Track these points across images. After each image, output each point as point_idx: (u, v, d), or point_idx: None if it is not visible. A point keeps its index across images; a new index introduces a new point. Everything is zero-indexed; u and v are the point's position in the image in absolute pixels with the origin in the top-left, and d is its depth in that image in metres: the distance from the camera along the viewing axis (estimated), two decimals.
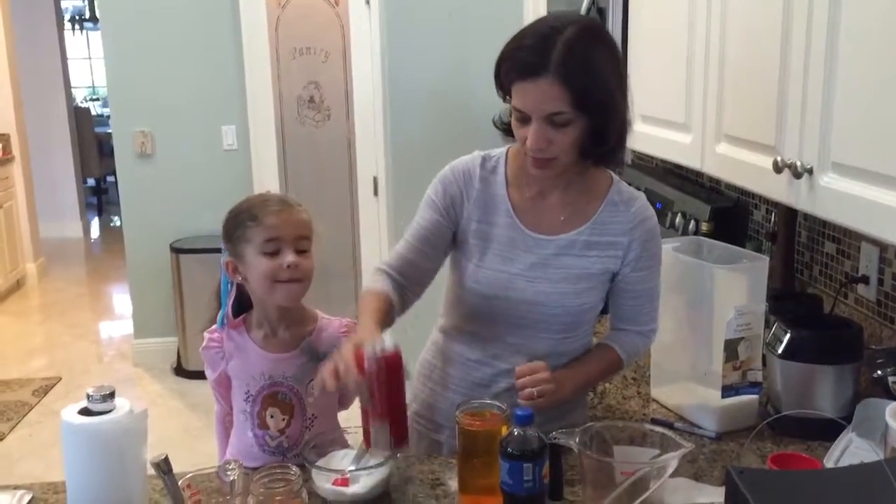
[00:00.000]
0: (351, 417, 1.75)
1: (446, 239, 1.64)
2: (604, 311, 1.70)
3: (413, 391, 1.80)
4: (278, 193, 1.70)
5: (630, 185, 1.68)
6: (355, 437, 1.61)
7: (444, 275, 1.72)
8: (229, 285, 1.65)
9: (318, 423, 1.64)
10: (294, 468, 1.37)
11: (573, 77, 1.41)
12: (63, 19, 8.54)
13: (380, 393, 1.38)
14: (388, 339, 1.38)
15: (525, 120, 1.47)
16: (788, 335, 1.65)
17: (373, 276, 1.64)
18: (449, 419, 1.67)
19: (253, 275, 1.59)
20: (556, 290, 1.59)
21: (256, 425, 1.62)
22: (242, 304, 1.67)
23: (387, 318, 1.54)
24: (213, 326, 1.68)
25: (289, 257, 1.56)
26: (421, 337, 1.83)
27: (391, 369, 1.37)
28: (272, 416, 1.62)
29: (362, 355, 1.37)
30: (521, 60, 1.44)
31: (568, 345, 1.64)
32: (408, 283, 1.63)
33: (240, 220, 1.60)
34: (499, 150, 1.67)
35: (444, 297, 1.75)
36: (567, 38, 1.41)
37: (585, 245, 1.60)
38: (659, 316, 1.69)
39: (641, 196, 1.66)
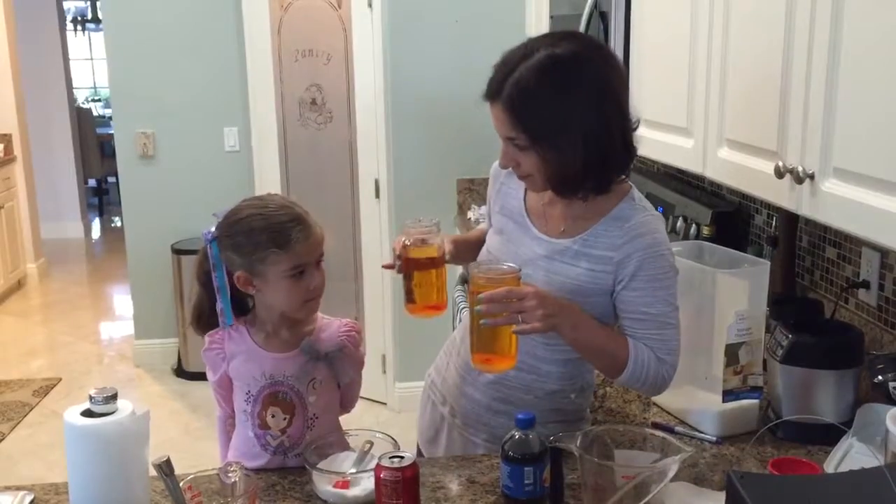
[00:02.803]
0: (353, 420, 1.76)
1: None
2: None
3: (436, 363, 1.89)
4: (281, 202, 1.62)
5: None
6: (356, 439, 1.62)
7: None
8: (225, 279, 1.61)
9: (319, 423, 1.64)
10: None
11: (515, 107, 1.47)
12: (65, 20, 8.55)
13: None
14: (407, 453, 1.40)
15: None
16: (789, 340, 1.66)
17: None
18: (451, 395, 1.77)
19: (276, 294, 1.59)
20: None
21: (257, 425, 1.63)
22: (234, 296, 1.65)
23: (475, 246, 1.79)
24: (217, 328, 1.67)
25: (316, 279, 1.59)
26: None
27: (408, 482, 1.36)
28: (273, 416, 1.62)
29: (403, 242, 1.62)
30: (489, 82, 1.52)
31: (562, 353, 1.63)
32: None
33: (259, 241, 1.55)
34: None
35: None
36: (526, 67, 1.46)
37: (575, 254, 1.58)
38: (678, 352, 1.56)
39: (649, 214, 1.59)
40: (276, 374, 1.61)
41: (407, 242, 1.65)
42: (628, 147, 1.55)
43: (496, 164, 1.76)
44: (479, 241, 1.82)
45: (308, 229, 1.58)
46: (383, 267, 1.74)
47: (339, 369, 1.66)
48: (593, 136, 1.48)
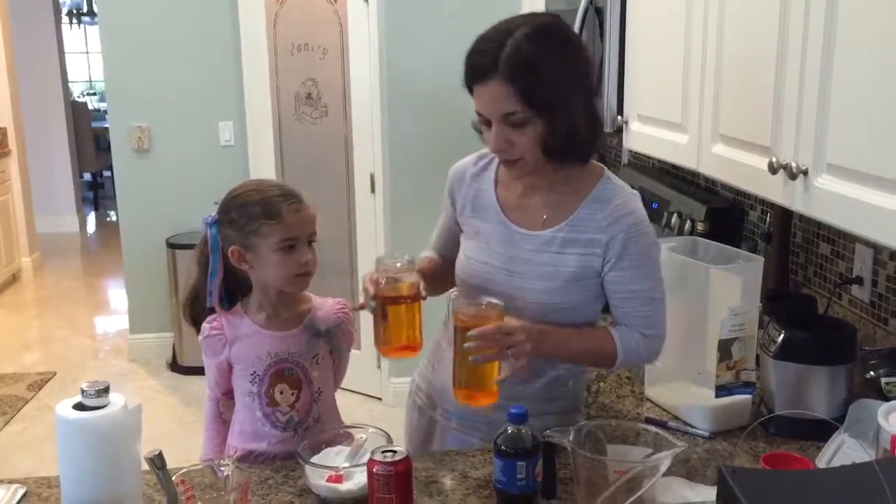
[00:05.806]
0: (347, 415, 1.76)
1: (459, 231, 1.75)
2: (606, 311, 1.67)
3: (419, 368, 1.88)
4: (277, 183, 1.73)
5: (628, 183, 1.68)
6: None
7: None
8: (218, 263, 1.66)
9: (323, 398, 1.70)
10: None
11: (519, 75, 1.45)
12: (61, 13, 8.52)
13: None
14: (399, 447, 1.39)
15: (488, 123, 1.53)
16: (782, 336, 1.66)
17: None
18: (442, 398, 1.75)
19: (267, 268, 1.64)
20: (533, 287, 1.60)
21: (266, 403, 1.67)
22: (229, 284, 1.70)
23: (437, 271, 1.75)
24: (214, 316, 1.70)
25: (306, 255, 1.63)
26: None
27: (400, 476, 1.35)
28: (281, 393, 1.67)
29: (376, 281, 1.54)
30: (474, 64, 1.50)
31: None
32: (446, 265, 1.77)
33: (253, 214, 1.61)
34: None
35: None
36: (516, 39, 1.46)
37: (563, 242, 1.59)
38: (663, 323, 1.61)
39: (629, 193, 1.62)
40: (281, 352, 1.67)
41: (381, 281, 1.56)
42: (595, 117, 1.58)
43: (456, 165, 1.77)
44: (440, 269, 1.77)
45: (299, 204, 1.64)
46: (354, 310, 1.70)
47: (336, 344, 1.74)
48: (588, 96, 1.53)
